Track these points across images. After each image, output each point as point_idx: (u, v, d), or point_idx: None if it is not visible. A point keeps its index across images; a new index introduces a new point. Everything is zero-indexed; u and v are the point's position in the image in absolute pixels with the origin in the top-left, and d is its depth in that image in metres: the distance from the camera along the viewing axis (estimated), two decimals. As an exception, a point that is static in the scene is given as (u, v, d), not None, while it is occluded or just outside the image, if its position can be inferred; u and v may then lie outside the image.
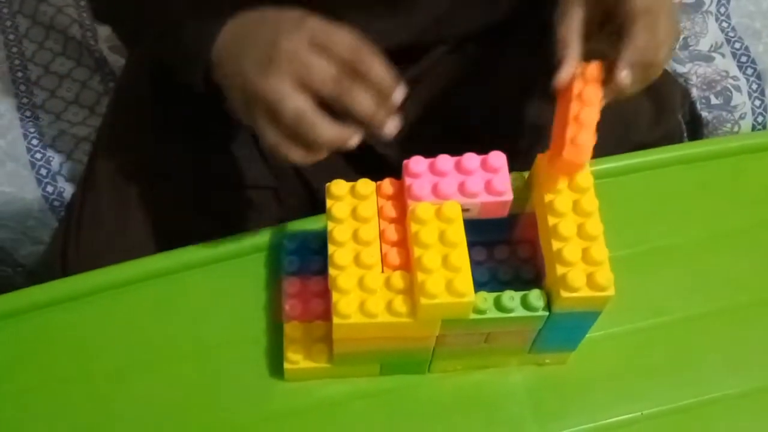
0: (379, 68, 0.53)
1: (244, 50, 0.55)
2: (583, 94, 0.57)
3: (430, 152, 0.59)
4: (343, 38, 0.53)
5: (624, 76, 0.56)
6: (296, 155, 0.54)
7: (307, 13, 0.55)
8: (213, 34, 0.57)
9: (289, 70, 0.52)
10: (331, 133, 0.53)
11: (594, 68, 0.58)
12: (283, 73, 0.52)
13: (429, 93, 0.78)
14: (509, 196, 0.58)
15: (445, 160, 0.59)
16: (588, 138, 0.55)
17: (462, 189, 0.58)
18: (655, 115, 0.84)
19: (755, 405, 0.65)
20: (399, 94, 0.54)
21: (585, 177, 0.59)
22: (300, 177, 0.78)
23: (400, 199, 0.60)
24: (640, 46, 0.56)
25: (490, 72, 0.76)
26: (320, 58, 0.52)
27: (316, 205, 0.73)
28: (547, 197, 0.58)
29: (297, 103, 0.52)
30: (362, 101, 0.53)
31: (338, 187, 0.59)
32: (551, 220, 0.57)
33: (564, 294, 0.55)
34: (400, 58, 0.74)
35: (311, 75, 0.52)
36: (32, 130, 1.01)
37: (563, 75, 0.57)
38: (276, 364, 0.63)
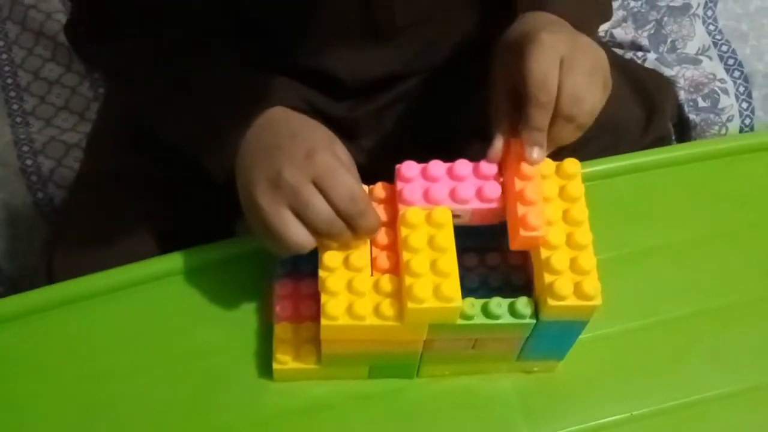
0: (370, 221, 0.57)
1: (257, 165, 0.59)
2: (522, 169, 0.58)
3: None
4: (344, 186, 0.56)
5: (534, 155, 0.58)
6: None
7: (319, 142, 0.58)
8: (236, 140, 0.61)
9: (290, 202, 0.56)
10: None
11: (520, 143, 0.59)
12: (285, 204, 0.56)
13: (416, 110, 0.79)
14: (500, 203, 0.59)
15: (437, 166, 0.59)
16: (537, 216, 0.57)
17: (453, 195, 0.58)
18: (646, 122, 0.84)
19: (743, 404, 0.65)
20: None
21: (576, 186, 0.59)
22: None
23: (392, 203, 0.60)
24: (536, 125, 0.58)
25: (477, 87, 0.77)
26: (319, 199, 0.56)
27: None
28: None
29: (299, 239, 0.56)
30: (344, 241, 0.57)
31: None
32: None
33: (551, 302, 0.55)
34: (386, 83, 0.75)
35: (308, 213, 0.56)
36: (23, 136, 1.01)
37: (492, 153, 0.60)
38: (266, 365, 0.64)
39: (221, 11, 0.71)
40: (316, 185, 0.56)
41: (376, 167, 0.76)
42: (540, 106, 0.57)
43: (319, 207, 0.56)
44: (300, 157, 0.57)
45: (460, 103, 0.79)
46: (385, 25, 0.70)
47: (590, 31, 0.66)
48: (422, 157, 0.60)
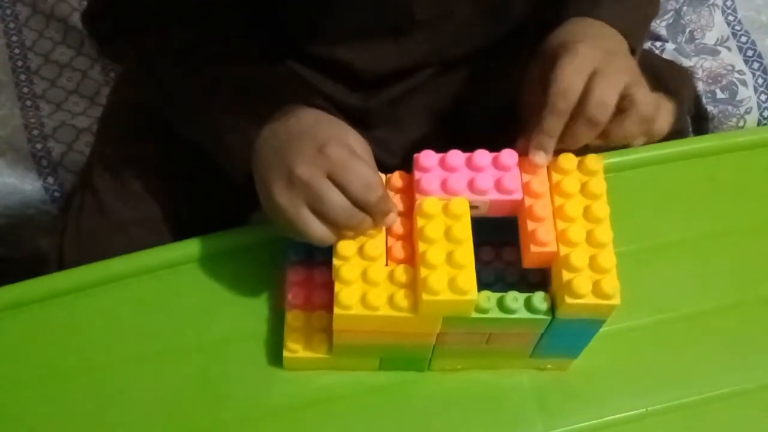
0: (386, 206, 0.57)
1: (271, 165, 0.59)
2: (531, 185, 0.58)
3: None
4: (359, 176, 0.56)
5: (538, 159, 0.58)
6: None
7: (330, 136, 0.58)
8: (251, 141, 0.61)
9: (306, 199, 0.57)
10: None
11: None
12: (301, 200, 0.57)
13: (431, 101, 0.79)
14: (519, 195, 0.58)
15: (456, 156, 0.58)
16: (546, 232, 0.56)
17: (471, 185, 0.58)
18: None
19: (760, 402, 0.65)
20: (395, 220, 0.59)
21: (598, 183, 0.58)
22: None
23: (409, 192, 0.59)
24: (547, 131, 0.57)
25: (494, 79, 0.76)
26: (334, 193, 0.56)
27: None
28: (557, 201, 0.58)
29: (321, 235, 0.57)
30: (364, 230, 0.57)
31: None
32: (560, 225, 0.57)
33: (568, 300, 0.55)
34: (401, 74, 0.75)
35: (324, 208, 0.56)
36: (33, 120, 1.01)
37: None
38: (276, 354, 0.63)
39: (237, 5, 0.70)
40: (331, 179, 0.56)
41: (391, 158, 0.75)
42: (555, 113, 0.57)
43: (335, 201, 0.56)
44: (311, 153, 0.57)
45: (475, 94, 0.78)
46: (402, 20, 0.70)
47: (638, 38, 0.66)
48: (436, 148, 0.59)
